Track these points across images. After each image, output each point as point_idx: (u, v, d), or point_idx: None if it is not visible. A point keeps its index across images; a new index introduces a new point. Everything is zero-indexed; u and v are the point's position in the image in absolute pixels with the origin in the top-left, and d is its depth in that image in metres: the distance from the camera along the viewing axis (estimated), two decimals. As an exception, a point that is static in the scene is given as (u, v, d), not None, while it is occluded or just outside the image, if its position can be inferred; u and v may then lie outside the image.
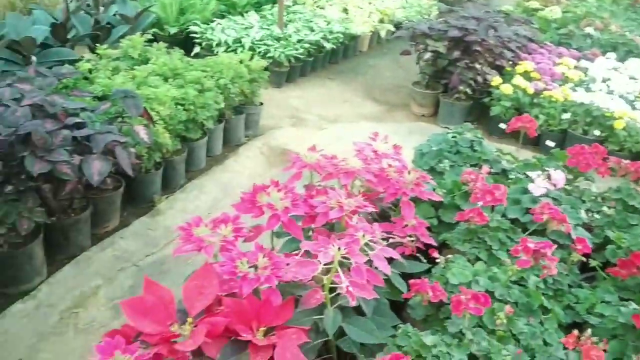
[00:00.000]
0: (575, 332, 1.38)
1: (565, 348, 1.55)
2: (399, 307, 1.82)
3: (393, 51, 7.07)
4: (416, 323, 1.71)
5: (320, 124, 4.86)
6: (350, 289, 1.44)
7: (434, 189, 2.29)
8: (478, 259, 2.00)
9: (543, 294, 1.81)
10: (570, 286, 1.94)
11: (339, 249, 1.51)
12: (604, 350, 1.33)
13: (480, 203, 2.12)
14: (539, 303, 1.71)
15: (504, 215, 2.23)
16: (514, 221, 2.21)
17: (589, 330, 1.37)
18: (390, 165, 2.19)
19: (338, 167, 2.12)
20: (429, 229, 2.14)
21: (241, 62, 4.17)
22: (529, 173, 2.41)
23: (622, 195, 2.41)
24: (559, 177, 2.33)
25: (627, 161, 2.60)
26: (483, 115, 4.91)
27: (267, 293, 1.48)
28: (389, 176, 2.13)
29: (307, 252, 1.59)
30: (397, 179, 2.14)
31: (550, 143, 4.27)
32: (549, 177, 2.36)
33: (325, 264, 1.51)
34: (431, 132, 3.11)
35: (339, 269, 1.50)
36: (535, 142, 4.43)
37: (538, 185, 2.29)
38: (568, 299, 1.85)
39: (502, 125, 4.43)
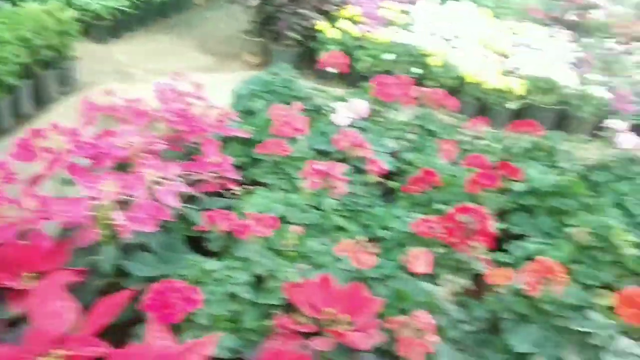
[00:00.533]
0: (349, 241, 1.43)
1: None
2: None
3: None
4: (215, 255, 1.69)
5: (149, 79, 4.62)
6: (124, 222, 1.37)
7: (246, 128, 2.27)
8: (282, 189, 2.02)
9: (342, 216, 1.88)
10: (369, 207, 2.02)
11: (114, 185, 1.44)
12: (374, 254, 1.40)
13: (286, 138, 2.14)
14: (330, 223, 1.76)
15: (313, 149, 2.27)
16: (322, 153, 2.26)
17: (363, 238, 1.43)
18: (190, 104, 2.13)
19: (132, 109, 2.03)
20: (241, 167, 2.13)
21: (49, 13, 3.82)
22: (334, 105, 2.46)
23: (422, 121, 2.55)
24: (361, 106, 2.40)
25: (428, 89, 2.76)
26: (314, 61, 4.94)
27: (34, 236, 1.37)
28: (190, 115, 2.07)
29: (91, 195, 1.50)
30: (200, 117, 2.10)
31: (375, 84, 4.42)
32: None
33: (105, 203, 1.44)
34: (264, 79, 3.06)
35: (116, 205, 1.44)
36: (363, 84, 4.56)
37: (342, 116, 2.35)
38: (365, 218, 1.93)
39: (331, 70, 4.49)
